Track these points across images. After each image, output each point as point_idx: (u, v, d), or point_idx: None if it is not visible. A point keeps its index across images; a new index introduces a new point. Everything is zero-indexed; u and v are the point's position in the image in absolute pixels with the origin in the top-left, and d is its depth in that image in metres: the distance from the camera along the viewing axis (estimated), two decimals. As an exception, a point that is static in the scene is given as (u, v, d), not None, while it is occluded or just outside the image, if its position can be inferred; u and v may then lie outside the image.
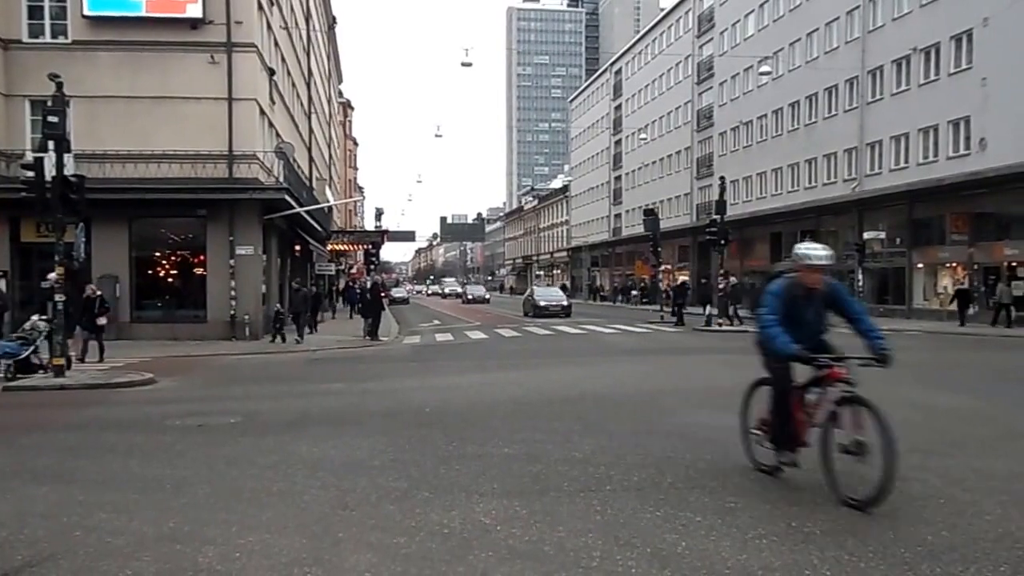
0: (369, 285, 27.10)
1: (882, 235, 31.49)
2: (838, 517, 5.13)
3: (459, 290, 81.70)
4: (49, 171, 13.05)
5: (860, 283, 30.59)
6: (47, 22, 22.08)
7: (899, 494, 5.67)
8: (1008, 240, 26.51)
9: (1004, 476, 6.20)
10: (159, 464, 7.02)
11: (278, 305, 22.26)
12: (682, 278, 43.49)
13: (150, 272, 22.71)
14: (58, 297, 13.38)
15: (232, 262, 22.15)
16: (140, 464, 7.05)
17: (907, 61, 31.25)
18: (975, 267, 27.77)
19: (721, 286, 30.42)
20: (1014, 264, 26.19)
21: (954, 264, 29.11)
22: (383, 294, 49.74)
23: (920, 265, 30.73)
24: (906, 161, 31.46)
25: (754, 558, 4.40)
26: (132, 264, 22.29)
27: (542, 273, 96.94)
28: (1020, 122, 25.55)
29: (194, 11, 21.94)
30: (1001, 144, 26.24)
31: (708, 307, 28.31)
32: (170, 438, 8.24)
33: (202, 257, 22.57)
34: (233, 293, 22.06)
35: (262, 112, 23.98)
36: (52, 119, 13.03)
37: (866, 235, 31.09)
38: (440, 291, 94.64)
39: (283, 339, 21.37)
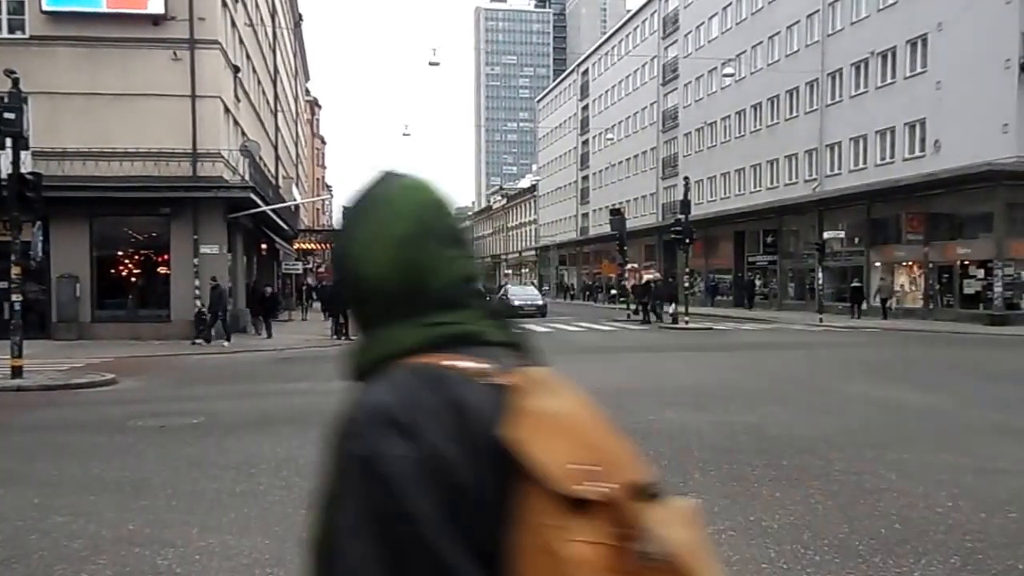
0: (334, 283, 26.79)
1: (842, 234, 32.05)
2: (795, 512, 5.24)
3: None
4: (5, 168, 12.79)
5: (820, 281, 31.09)
6: (4, 17, 21.58)
7: (855, 488, 5.83)
8: (961, 240, 27.16)
9: (955, 470, 6.37)
10: (119, 466, 6.92)
11: (197, 303, 20.86)
12: (647, 276, 43.81)
13: (112, 271, 22.30)
14: (15, 297, 13.12)
15: (196, 261, 21.84)
16: (99, 466, 6.94)
17: (865, 64, 31.84)
18: (930, 266, 28.39)
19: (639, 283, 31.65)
20: (966, 263, 26.83)
21: (910, 263, 29.72)
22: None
23: (878, 264, 31.30)
24: (864, 162, 32.04)
25: (713, 552, 4.47)
26: (93, 263, 21.86)
27: (511, 272, 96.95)
28: (972, 125, 26.16)
29: (155, 7, 21.60)
30: (954, 146, 26.84)
31: (674, 304, 28.60)
32: (131, 439, 8.12)
33: (166, 256, 22.22)
34: (197, 292, 21.75)
35: (227, 110, 23.69)
36: (8, 115, 12.75)
37: (826, 234, 31.60)
38: None
39: (207, 340, 19.95)
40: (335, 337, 22.89)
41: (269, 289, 23.95)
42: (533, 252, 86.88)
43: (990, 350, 18.12)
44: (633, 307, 32.47)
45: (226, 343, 20.02)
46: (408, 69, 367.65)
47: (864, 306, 29.58)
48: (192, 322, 21.47)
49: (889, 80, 30.51)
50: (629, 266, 41.86)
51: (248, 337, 22.79)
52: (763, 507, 5.35)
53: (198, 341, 19.96)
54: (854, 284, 30.58)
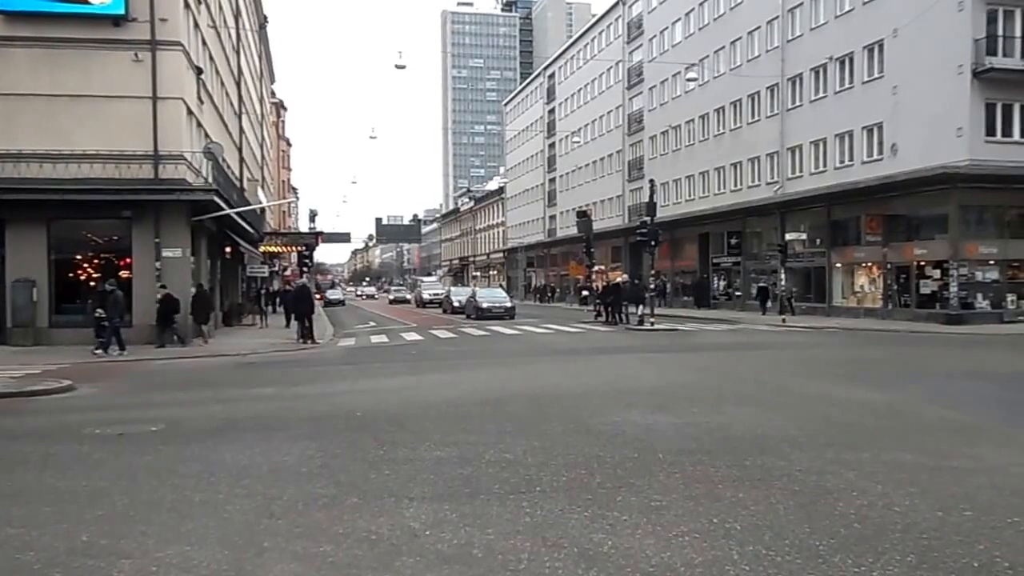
0: (298, 286, 26.53)
1: (803, 236, 32.49)
2: (757, 513, 5.30)
3: (440, 292, 51.89)
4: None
5: (783, 282, 31.48)
6: (-44, 16, 21.10)
7: (816, 488, 5.92)
8: (918, 240, 27.72)
9: (912, 468, 6.49)
10: (75, 475, 6.78)
11: (99, 311, 19.22)
12: (617, 278, 43.99)
13: (71, 275, 21.89)
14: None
15: (159, 265, 21.52)
16: (55, 475, 6.80)
17: (824, 69, 32.35)
18: (888, 266, 28.93)
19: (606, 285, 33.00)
20: (922, 263, 27.39)
21: (869, 263, 30.26)
22: (319, 296, 48.42)
23: (839, 265, 31.82)
24: (824, 165, 32.56)
25: (677, 555, 4.51)
26: (51, 267, 21.46)
27: (479, 274, 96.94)
28: (927, 128, 26.72)
29: (116, 6, 21.27)
30: (910, 149, 27.41)
31: (640, 307, 28.79)
32: (88, 448, 7.97)
33: (127, 260, 21.86)
34: (160, 296, 21.43)
35: (189, 112, 23.36)
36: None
37: (788, 236, 32.03)
38: (412, 297, 61.96)
39: (104, 349, 18.74)
40: (301, 340, 22.69)
41: (165, 290, 20.88)
42: (501, 254, 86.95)
43: (946, 349, 18.52)
44: (600, 308, 32.54)
45: (118, 352, 18.67)
46: (374, 72, 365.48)
47: (769, 304, 32.96)
48: (154, 327, 21.09)
49: (847, 85, 31.05)
50: (596, 268, 42.05)
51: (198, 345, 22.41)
52: (726, 508, 5.40)
53: (97, 351, 18.65)
54: (760, 285, 34.29)
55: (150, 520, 5.38)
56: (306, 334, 22.92)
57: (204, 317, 21.98)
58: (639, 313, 28.50)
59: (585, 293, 51.28)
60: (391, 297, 72.33)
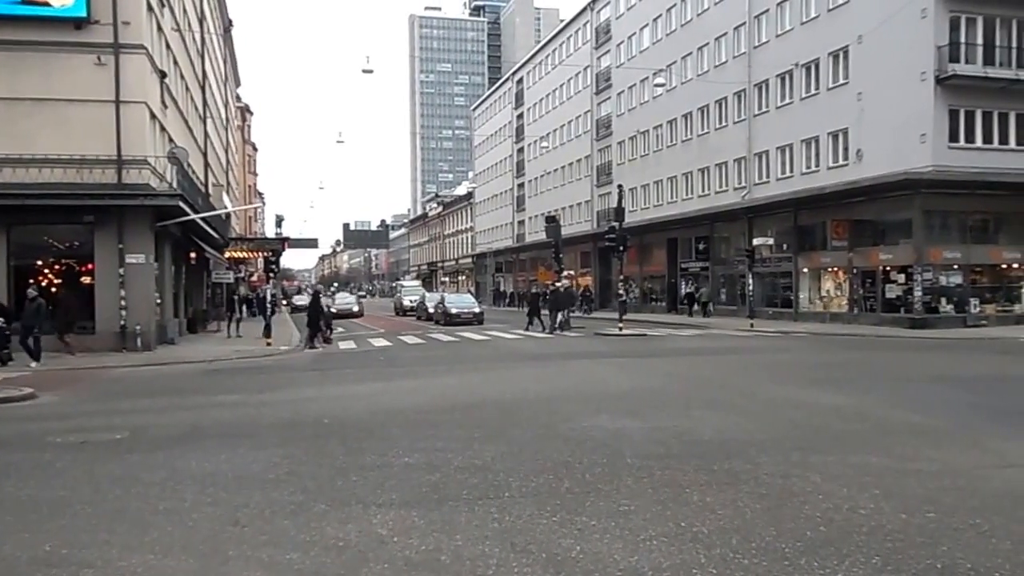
0: (312, 294, 27.54)
1: (770, 241, 32.83)
2: (725, 516, 5.34)
3: (417, 299, 46.72)
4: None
5: (750, 287, 31.82)
6: (-87, 20, 20.60)
7: (782, 491, 5.98)
8: (883, 245, 28.18)
9: (877, 471, 6.59)
10: (36, 484, 6.66)
11: (1, 319, 18.17)
12: (558, 283, 43.33)
13: (32, 281, 21.39)
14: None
15: (122, 271, 21.19)
16: (15, 485, 6.66)
17: (790, 76, 32.78)
18: (854, 271, 29.38)
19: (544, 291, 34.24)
20: (888, 268, 27.85)
21: (835, 268, 30.70)
22: (286, 302, 48.05)
23: (805, 270, 32.25)
24: (791, 170, 32.96)
25: (645, 559, 4.53)
26: (10, 273, 21.03)
27: (447, 279, 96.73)
28: (892, 134, 27.20)
29: (77, 8, 20.92)
30: (875, 155, 27.87)
31: (562, 313, 29.18)
32: (49, 456, 7.81)
33: (90, 266, 21.50)
34: (123, 303, 21.11)
35: (153, 116, 23.05)
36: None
37: (755, 241, 32.33)
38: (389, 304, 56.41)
39: (4, 361, 17.43)
40: (311, 345, 23.39)
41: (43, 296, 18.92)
42: (470, 259, 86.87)
43: (911, 353, 18.83)
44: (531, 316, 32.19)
45: (33, 364, 17.55)
46: (342, 76, 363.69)
47: (695, 307, 37.15)
48: (118, 333, 20.78)
49: (813, 91, 31.48)
50: (565, 273, 42.13)
51: (173, 347, 22.08)
52: (694, 512, 5.44)
53: (30, 363, 17.49)
54: (687, 291, 38.78)
55: (113, 529, 5.29)
56: (319, 337, 23.96)
57: (29, 331, 18.32)
58: (565, 317, 28.97)
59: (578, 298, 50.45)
60: (334, 311, 51.09)
